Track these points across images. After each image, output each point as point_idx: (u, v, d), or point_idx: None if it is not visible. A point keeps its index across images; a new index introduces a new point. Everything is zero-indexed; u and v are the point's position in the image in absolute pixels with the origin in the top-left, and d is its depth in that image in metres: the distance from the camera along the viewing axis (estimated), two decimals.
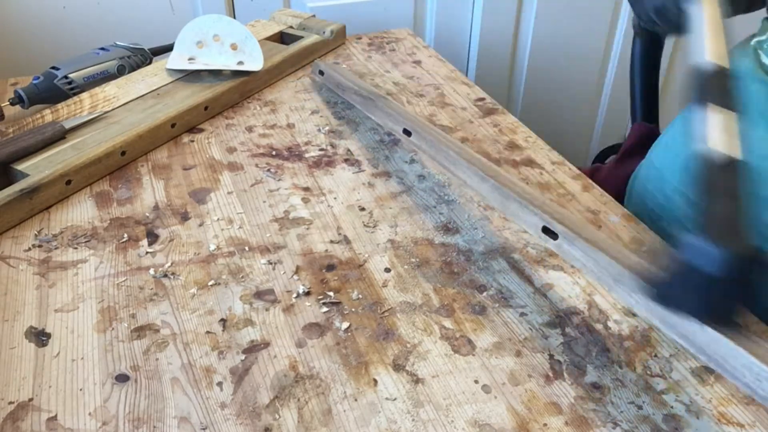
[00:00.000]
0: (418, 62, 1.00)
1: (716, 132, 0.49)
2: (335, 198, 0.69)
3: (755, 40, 0.68)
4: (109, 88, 0.84)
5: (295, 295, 0.57)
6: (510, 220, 0.66)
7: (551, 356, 0.51)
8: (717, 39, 0.55)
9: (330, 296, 0.56)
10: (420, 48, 1.06)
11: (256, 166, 0.74)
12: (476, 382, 0.49)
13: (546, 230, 0.53)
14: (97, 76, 0.87)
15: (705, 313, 0.44)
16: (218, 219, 0.66)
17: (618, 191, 0.87)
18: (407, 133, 0.69)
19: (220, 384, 0.48)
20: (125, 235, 0.63)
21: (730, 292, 0.43)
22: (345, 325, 0.53)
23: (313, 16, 1.08)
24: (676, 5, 0.61)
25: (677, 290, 0.44)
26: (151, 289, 0.57)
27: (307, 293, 0.57)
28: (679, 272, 0.44)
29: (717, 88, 0.52)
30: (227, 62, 0.89)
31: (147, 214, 0.66)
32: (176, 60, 0.88)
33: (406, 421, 0.46)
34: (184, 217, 0.66)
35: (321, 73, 0.90)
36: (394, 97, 0.89)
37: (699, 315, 0.44)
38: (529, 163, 0.75)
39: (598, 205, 0.68)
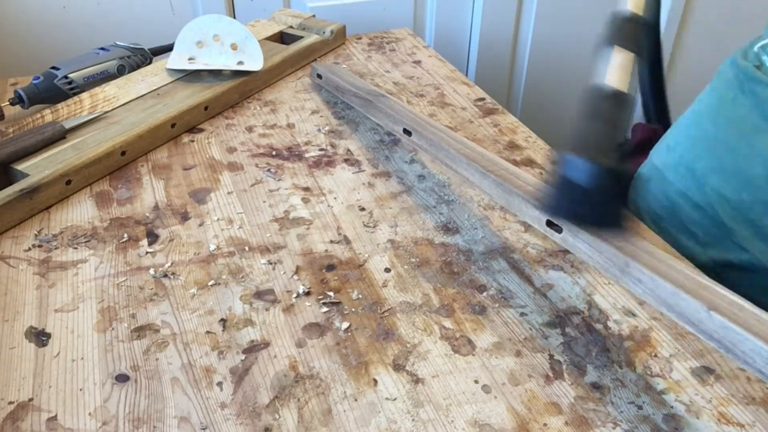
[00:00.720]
0: (418, 62, 1.00)
1: (612, 68, 0.55)
2: (335, 198, 0.69)
3: (759, 44, 0.68)
4: (109, 88, 0.84)
5: (295, 295, 0.57)
6: (510, 219, 0.66)
7: (551, 356, 0.51)
8: None
9: (330, 296, 0.56)
10: (420, 48, 1.06)
11: (256, 166, 0.74)
12: (476, 382, 0.49)
13: (550, 223, 0.53)
14: (97, 76, 0.87)
15: (584, 220, 0.50)
16: (218, 219, 0.66)
17: None
18: (407, 132, 0.69)
19: (220, 384, 0.48)
20: (125, 235, 0.63)
21: (603, 201, 0.49)
22: (345, 325, 0.53)
23: (313, 16, 1.08)
24: None
25: (560, 202, 0.51)
26: (151, 289, 0.57)
27: (307, 293, 0.57)
28: (560, 185, 0.50)
29: (625, 32, 0.57)
30: (227, 62, 0.89)
31: (147, 214, 0.66)
32: (176, 60, 0.88)
33: (406, 421, 0.46)
34: (184, 217, 0.66)
35: (319, 76, 0.90)
36: (394, 98, 0.89)
37: (579, 222, 0.51)
38: (529, 163, 0.75)
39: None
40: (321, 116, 0.85)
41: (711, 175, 0.68)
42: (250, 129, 0.82)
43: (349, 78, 0.86)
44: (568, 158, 0.50)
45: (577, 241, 0.50)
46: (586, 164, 0.48)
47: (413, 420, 0.46)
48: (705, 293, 0.43)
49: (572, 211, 0.51)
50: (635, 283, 0.46)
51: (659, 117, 0.97)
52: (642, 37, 0.58)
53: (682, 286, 0.43)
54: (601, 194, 0.49)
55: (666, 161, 0.75)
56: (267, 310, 0.55)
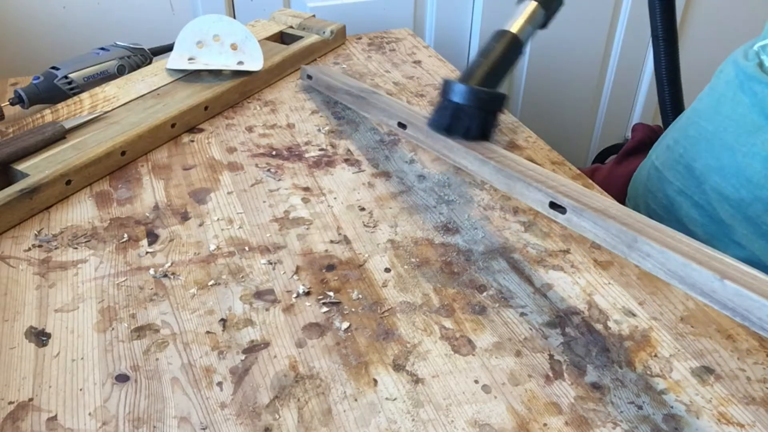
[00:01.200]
0: (418, 62, 1.00)
1: (515, 16, 0.67)
2: (335, 198, 0.69)
3: (759, 44, 0.68)
4: (109, 88, 0.84)
5: (295, 295, 0.57)
6: (510, 219, 0.66)
7: (551, 356, 0.51)
8: None
9: (330, 296, 0.56)
10: (420, 48, 1.06)
11: (256, 166, 0.74)
12: (476, 382, 0.49)
13: (553, 205, 0.52)
14: (97, 76, 0.87)
15: (457, 132, 0.62)
16: (218, 219, 0.66)
17: (618, 191, 0.87)
18: (402, 126, 0.69)
19: (220, 384, 0.48)
20: (125, 235, 0.63)
21: (473, 116, 0.62)
22: (345, 325, 0.53)
23: (313, 16, 1.08)
24: None
25: (441, 118, 0.63)
26: (151, 289, 0.57)
27: (307, 293, 0.57)
28: (442, 105, 0.64)
29: None
30: (227, 62, 0.89)
31: (147, 214, 0.66)
32: (176, 60, 0.88)
33: (406, 421, 0.46)
34: (184, 217, 0.66)
35: (309, 77, 0.90)
36: (394, 98, 0.89)
37: (453, 133, 0.63)
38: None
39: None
40: (321, 116, 0.85)
41: (710, 174, 0.68)
42: (250, 129, 0.82)
43: (339, 77, 0.86)
44: (450, 83, 0.62)
45: (581, 220, 0.50)
46: (462, 87, 0.62)
47: (413, 420, 0.46)
48: (716, 263, 0.42)
49: (449, 124, 0.63)
50: (644, 258, 0.45)
51: (673, 102, 0.96)
52: None
53: (693, 257, 0.43)
54: (472, 110, 0.62)
55: (665, 160, 0.75)
56: (267, 310, 0.55)
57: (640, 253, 0.46)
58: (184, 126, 0.81)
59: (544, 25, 0.69)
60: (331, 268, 0.60)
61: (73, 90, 0.85)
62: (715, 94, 0.71)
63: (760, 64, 0.67)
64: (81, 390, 0.48)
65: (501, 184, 0.58)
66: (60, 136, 0.72)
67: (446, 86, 0.63)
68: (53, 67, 0.85)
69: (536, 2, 0.67)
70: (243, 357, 0.51)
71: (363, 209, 0.67)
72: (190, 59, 0.89)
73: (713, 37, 1.49)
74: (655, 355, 0.51)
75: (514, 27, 0.65)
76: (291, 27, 1.05)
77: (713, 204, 0.68)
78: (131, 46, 0.92)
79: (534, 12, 0.67)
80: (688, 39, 1.47)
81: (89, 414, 0.46)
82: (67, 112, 0.78)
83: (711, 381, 0.49)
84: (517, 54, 0.66)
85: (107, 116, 0.78)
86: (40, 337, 0.52)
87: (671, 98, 0.95)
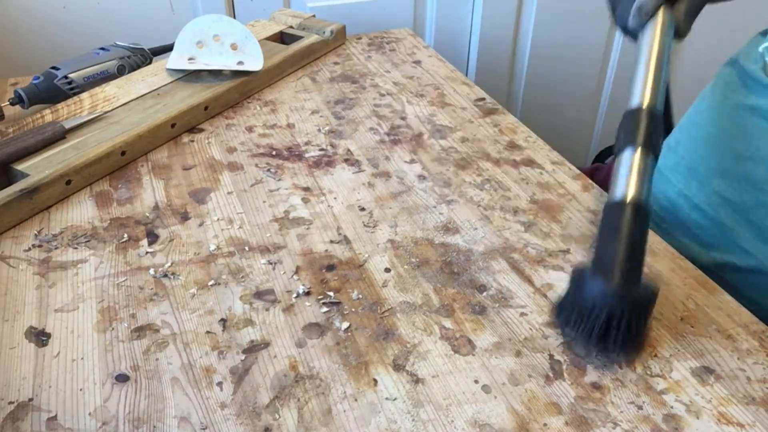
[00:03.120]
0: (418, 62, 1.00)
1: (629, 174, 0.52)
2: (335, 198, 0.69)
3: (764, 45, 0.67)
4: (109, 88, 0.84)
5: (295, 295, 0.57)
6: (510, 219, 0.66)
7: (551, 356, 0.51)
8: (654, 77, 0.57)
9: (330, 296, 0.56)
10: (420, 48, 1.06)
11: (256, 166, 0.74)
12: (476, 382, 0.49)
13: None
14: (97, 76, 0.87)
15: (592, 340, 0.49)
16: (218, 219, 0.66)
17: None
18: None
19: (220, 384, 0.48)
20: (125, 235, 0.63)
21: (622, 327, 0.48)
22: (345, 325, 0.53)
23: (313, 16, 1.08)
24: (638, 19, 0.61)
25: (578, 326, 0.49)
26: (151, 289, 0.57)
27: (307, 293, 0.57)
28: (578, 308, 0.49)
29: (643, 129, 0.54)
30: (227, 62, 0.89)
31: (147, 214, 0.66)
32: (176, 60, 0.88)
33: (406, 421, 0.46)
34: (184, 217, 0.66)
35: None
36: (394, 97, 0.89)
37: (587, 340, 0.49)
38: (529, 163, 0.75)
39: (598, 205, 0.68)
40: (321, 116, 0.85)
41: (713, 177, 0.68)
42: (250, 129, 0.82)
43: None
44: (586, 277, 0.49)
45: None
46: (603, 287, 0.48)
47: (413, 420, 0.46)
48: None
49: (589, 336, 0.49)
50: None
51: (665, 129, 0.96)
52: (657, 132, 0.55)
53: None
54: (619, 319, 0.48)
55: (667, 161, 0.75)
56: (267, 310, 0.55)
57: None
58: (184, 126, 0.81)
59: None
60: (331, 268, 0.60)
61: (73, 90, 0.85)
62: (718, 95, 0.71)
63: (765, 67, 0.66)
64: (81, 390, 0.48)
65: None
66: (60, 136, 0.72)
67: (583, 281, 0.50)
68: (53, 67, 0.85)
69: (647, 151, 0.53)
70: (243, 357, 0.51)
71: (363, 209, 0.67)
72: (190, 59, 0.89)
73: (713, 38, 1.49)
74: (655, 355, 0.51)
75: (636, 192, 0.51)
76: (291, 27, 1.05)
77: (716, 207, 0.67)
78: (131, 46, 0.92)
79: (649, 166, 0.53)
80: (688, 39, 1.47)
81: (89, 414, 0.46)
82: (67, 112, 0.78)
83: (711, 381, 0.49)
84: (648, 224, 0.52)
85: (107, 116, 0.78)
86: (40, 337, 0.52)
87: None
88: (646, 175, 0.52)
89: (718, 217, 0.67)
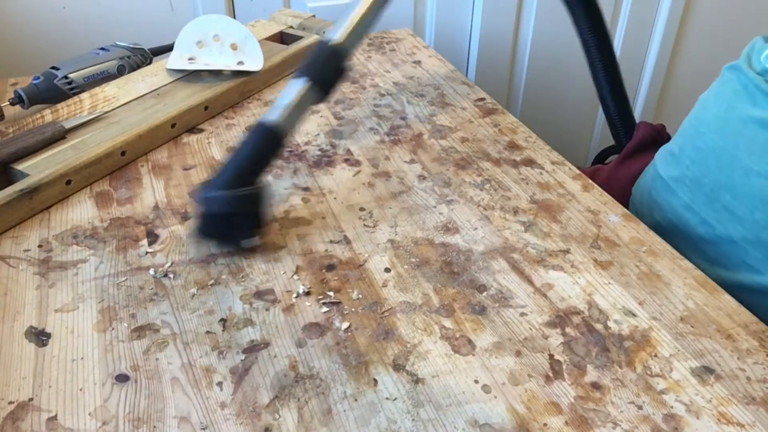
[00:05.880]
0: (418, 62, 1.00)
1: (287, 104, 0.62)
2: (335, 198, 0.69)
3: (764, 54, 0.66)
4: (109, 88, 0.84)
5: (295, 295, 0.57)
6: (510, 219, 0.66)
7: (551, 356, 0.51)
8: (358, 22, 0.66)
9: (330, 296, 0.56)
10: (420, 48, 1.06)
11: None
12: (476, 382, 0.49)
13: None
14: (97, 76, 0.87)
15: (223, 239, 0.61)
16: None
17: (620, 193, 0.86)
18: None
19: (220, 384, 0.48)
20: (125, 235, 0.63)
21: (235, 221, 0.59)
22: (345, 325, 0.53)
23: (313, 16, 1.08)
24: None
25: (206, 228, 0.60)
26: (151, 289, 0.57)
27: (307, 293, 0.57)
28: (202, 216, 0.60)
29: (321, 65, 0.64)
30: (227, 62, 0.89)
31: (147, 214, 0.66)
32: (176, 60, 0.88)
33: (406, 421, 0.46)
34: (184, 217, 0.66)
35: None
36: (394, 97, 0.89)
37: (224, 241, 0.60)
38: (529, 163, 0.75)
39: (598, 205, 0.68)
40: (321, 116, 0.85)
41: (721, 192, 0.66)
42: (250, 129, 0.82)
43: None
44: (204, 191, 0.59)
45: None
46: (216, 194, 0.58)
47: (413, 420, 0.46)
48: None
49: (215, 233, 0.61)
50: None
51: (621, 117, 0.97)
52: (331, 69, 0.65)
53: None
54: (233, 215, 0.59)
55: (672, 172, 0.73)
56: (267, 310, 0.55)
57: None
58: (184, 126, 0.81)
59: (320, 100, 0.66)
60: (331, 268, 0.60)
61: (73, 90, 0.85)
62: (722, 103, 0.68)
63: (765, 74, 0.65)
64: (81, 390, 0.48)
65: None
66: (60, 136, 0.72)
67: (202, 195, 0.60)
68: (53, 67, 0.85)
69: (309, 81, 0.63)
70: (243, 357, 0.51)
71: (363, 209, 0.67)
72: (190, 59, 0.89)
73: (713, 38, 1.49)
74: (655, 355, 0.51)
75: (275, 116, 0.61)
76: (291, 27, 1.05)
77: (724, 223, 0.65)
78: (131, 46, 0.92)
79: (305, 92, 0.63)
80: (688, 39, 1.47)
81: (89, 414, 0.46)
82: (67, 112, 0.78)
83: (711, 381, 0.49)
84: (276, 148, 0.62)
85: (107, 116, 0.78)
86: (40, 337, 0.52)
87: (618, 113, 0.97)
88: (300, 108, 0.63)
89: (727, 235, 0.65)
